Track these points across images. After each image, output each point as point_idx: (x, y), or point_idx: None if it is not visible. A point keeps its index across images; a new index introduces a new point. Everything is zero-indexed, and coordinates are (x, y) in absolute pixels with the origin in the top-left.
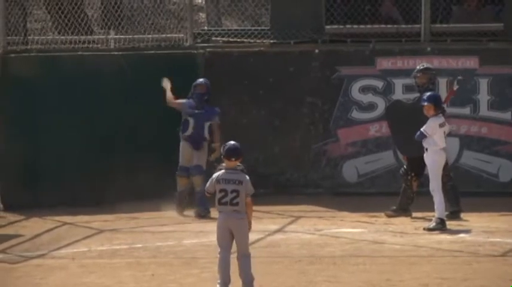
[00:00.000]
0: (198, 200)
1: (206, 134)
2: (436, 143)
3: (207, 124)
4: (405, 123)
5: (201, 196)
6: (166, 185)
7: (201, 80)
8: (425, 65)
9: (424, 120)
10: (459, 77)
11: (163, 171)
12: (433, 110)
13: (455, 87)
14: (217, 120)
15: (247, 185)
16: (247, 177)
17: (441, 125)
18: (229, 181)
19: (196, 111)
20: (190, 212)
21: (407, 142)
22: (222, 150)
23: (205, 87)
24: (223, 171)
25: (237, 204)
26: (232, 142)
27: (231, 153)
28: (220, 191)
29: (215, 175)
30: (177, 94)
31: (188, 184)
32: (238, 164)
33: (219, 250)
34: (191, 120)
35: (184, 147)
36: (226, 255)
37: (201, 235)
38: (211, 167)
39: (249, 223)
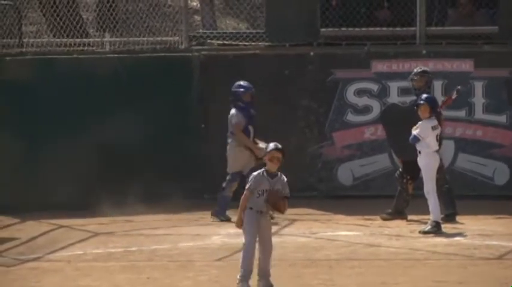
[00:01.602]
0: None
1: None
2: (429, 146)
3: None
4: (401, 126)
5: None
6: (158, 189)
7: (243, 86)
8: (423, 68)
9: None
10: (458, 87)
11: (157, 175)
12: (428, 112)
13: (454, 97)
14: None
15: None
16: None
17: (434, 128)
18: None
19: (252, 119)
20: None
21: (402, 145)
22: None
23: (251, 95)
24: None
25: None
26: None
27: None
28: None
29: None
30: (172, 97)
31: None
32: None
33: None
34: (251, 129)
35: (243, 153)
36: None
37: (197, 238)
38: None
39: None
